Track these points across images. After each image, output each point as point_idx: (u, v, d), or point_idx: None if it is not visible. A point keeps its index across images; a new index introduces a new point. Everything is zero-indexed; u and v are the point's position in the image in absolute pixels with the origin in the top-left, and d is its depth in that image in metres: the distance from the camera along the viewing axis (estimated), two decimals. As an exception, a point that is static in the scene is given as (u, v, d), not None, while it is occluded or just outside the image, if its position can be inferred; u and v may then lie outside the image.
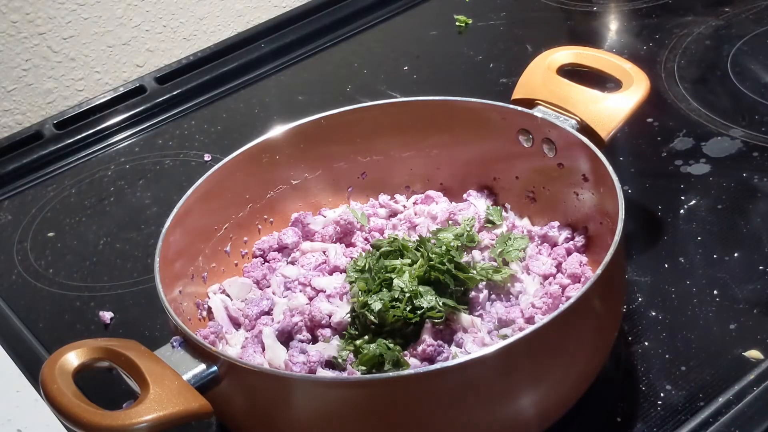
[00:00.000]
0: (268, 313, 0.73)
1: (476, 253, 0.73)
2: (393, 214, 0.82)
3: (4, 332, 0.83)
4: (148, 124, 1.11)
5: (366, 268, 0.69)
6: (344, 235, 0.79)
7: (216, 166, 0.76)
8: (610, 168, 0.68)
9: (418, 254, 0.69)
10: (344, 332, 0.68)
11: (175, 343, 0.60)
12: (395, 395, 0.57)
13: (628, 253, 0.77)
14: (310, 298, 0.72)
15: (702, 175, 0.86)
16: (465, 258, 0.72)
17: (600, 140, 0.74)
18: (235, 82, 1.15)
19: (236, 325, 0.73)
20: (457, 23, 1.19)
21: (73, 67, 1.13)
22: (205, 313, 0.73)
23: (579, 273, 0.70)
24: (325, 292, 0.71)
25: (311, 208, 0.82)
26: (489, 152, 0.80)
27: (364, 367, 0.64)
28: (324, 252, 0.77)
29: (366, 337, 0.66)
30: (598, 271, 0.59)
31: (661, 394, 0.67)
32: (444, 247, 0.69)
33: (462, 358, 0.57)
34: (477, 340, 0.65)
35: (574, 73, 0.79)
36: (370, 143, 0.82)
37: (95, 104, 1.11)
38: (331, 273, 0.75)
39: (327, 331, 0.69)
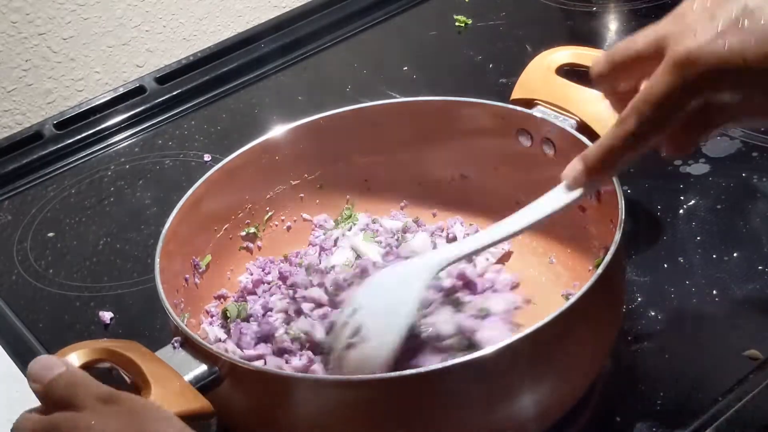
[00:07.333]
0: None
1: None
2: None
3: (4, 332, 0.83)
4: (148, 125, 1.11)
5: None
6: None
7: (216, 167, 0.76)
8: (609, 168, 0.67)
9: None
10: None
11: (176, 344, 0.61)
12: (396, 395, 0.57)
13: (627, 253, 0.78)
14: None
15: (701, 175, 0.86)
16: None
17: None
18: (235, 82, 1.15)
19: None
20: (457, 23, 1.19)
21: (73, 68, 1.13)
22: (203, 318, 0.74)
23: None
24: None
25: (310, 209, 0.83)
26: (488, 152, 0.80)
27: None
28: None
29: None
30: (599, 271, 0.59)
31: (661, 394, 0.67)
32: None
33: (462, 358, 0.57)
34: None
35: (573, 73, 0.79)
36: (370, 144, 0.82)
37: (95, 104, 1.11)
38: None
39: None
